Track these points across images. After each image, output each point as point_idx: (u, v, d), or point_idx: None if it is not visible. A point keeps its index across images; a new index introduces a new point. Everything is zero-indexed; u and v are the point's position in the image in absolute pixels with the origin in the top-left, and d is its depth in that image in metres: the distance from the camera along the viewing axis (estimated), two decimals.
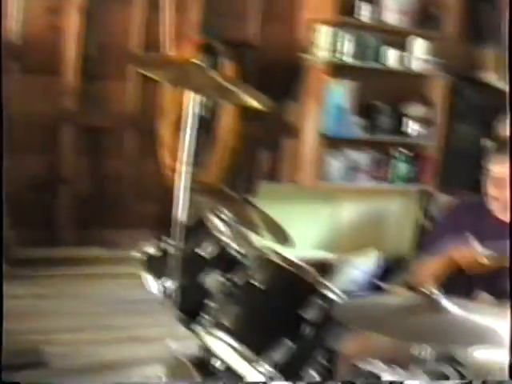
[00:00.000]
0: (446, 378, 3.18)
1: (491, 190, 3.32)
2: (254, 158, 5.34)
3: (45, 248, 4.71)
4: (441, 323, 2.34)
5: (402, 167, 5.63)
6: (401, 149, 5.62)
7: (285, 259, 2.85)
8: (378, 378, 2.64)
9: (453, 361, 3.29)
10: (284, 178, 5.47)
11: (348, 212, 5.59)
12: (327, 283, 2.78)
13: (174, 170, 4.94)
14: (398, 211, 5.80)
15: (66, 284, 4.54)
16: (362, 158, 5.49)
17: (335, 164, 5.35)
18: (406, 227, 5.80)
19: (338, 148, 5.45)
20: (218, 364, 3.03)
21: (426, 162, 5.63)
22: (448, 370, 3.26)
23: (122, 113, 4.99)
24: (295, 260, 2.88)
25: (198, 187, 4.41)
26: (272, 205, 4.86)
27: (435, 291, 2.39)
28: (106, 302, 4.41)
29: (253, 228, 3.41)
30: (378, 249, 5.24)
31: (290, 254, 4.99)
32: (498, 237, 3.29)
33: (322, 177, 5.34)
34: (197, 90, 2.77)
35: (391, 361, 3.08)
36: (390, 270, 5.36)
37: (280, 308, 2.77)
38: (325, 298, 2.74)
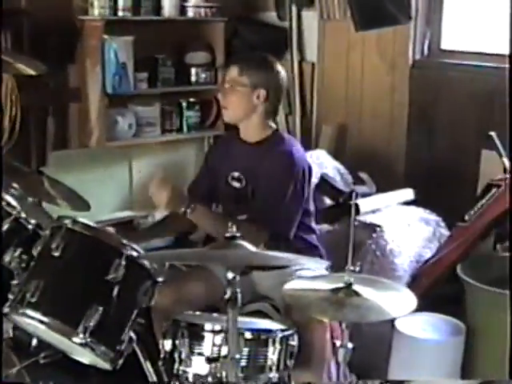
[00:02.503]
0: (266, 315, 3.33)
1: (221, 100, 3.55)
2: (43, 127, 5.19)
3: None
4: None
5: (190, 115, 5.63)
6: (187, 97, 5.62)
7: (83, 226, 2.81)
8: (202, 327, 2.70)
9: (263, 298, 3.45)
10: (74, 144, 5.34)
11: (145, 168, 5.57)
12: (128, 243, 2.78)
13: None
14: (193, 160, 5.84)
15: None
16: (149, 111, 5.44)
17: (122, 122, 5.29)
18: None
19: (124, 105, 5.39)
20: (34, 342, 2.99)
21: (213, 107, 5.65)
22: (264, 306, 3.43)
23: None
24: (94, 225, 2.86)
25: None
26: (65, 173, 4.83)
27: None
28: None
29: (48, 199, 3.35)
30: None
31: (93, 219, 5.01)
32: (244, 158, 3.49)
33: (111, 137, 5.25)
34: None
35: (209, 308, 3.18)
36: None
37: (85, 275, 2.75)
38: (128, 257, 2.74)
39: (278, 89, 3.49)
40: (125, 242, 2.78)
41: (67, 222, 2.81)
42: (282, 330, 2.77)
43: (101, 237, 2.80)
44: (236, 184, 3.51)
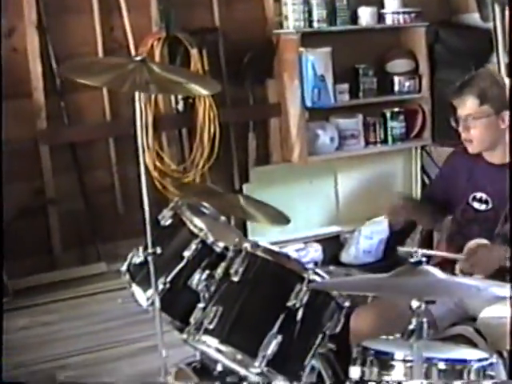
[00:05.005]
0: (468, 340, 3.11)
1: (462, 133, 3.32)
2: (243, 144, 5.21)
3: (43, 274, 4.60)
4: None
5: (395, 126, 5.46)
6: (390, 107, 5.46)
7: (264, 250, 2.72)
8: (391, 355, 2.53)
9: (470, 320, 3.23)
10: (276, 159, 5.33)
11: (347, 182, 5.49)
12: (311, 267, 2.67)
13: (159, 172, 4.88)
14: (399, 172, 5.69)
15: (70, 306, 4.46)
16: (351, 124, 5.33)
17: (324, 135, 5.20)
18: (408, 187, 5.69)
19: (325, 118, 5.32)
20: (218, 367, 2.94)
21: (417, 116, 5.48)
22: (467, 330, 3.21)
23: (96, 123, 4.88)
24: (275, 249, 2.77)
25: (184, 187, 4.34)
26: (268, 188, 4.85)
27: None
28: (112, 319, 4.33)
29: (245, 215, 3.30)
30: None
31: (298, 234, 4.96)
32: (491, 180, 3.27)
33: (313, 151, 5.19)
34: (139, 88, 2.68)
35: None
36: (403, 234, 5.25)
37: (265, 301, 2.66)
38: (311, 282, 2.62)
39: None
40: (307, 266, 2.67)
41: (247, 245, 2.73)
42: (480, 360, 2.54)
43: (282, 261, 2.70)
44: (478, 205, 3.35)
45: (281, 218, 3.30)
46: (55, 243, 4.75)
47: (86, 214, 4.83)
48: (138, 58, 2.73)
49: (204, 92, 2.79)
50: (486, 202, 3.32)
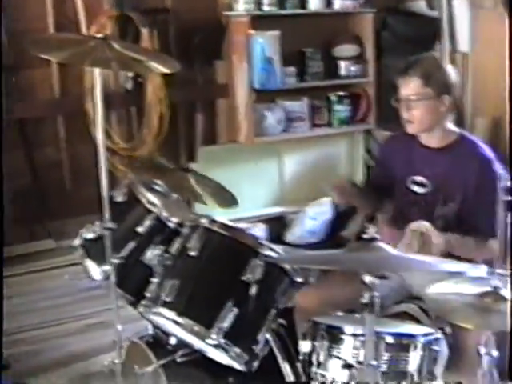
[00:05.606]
0: (412, 317, 3.21)
1: (403, 113, 3.34)
2: (191, 123, 5.25)
3: None
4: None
5: (340, 109, 5.55)
6: (336, 91, 5.55)
7: (221, 225, 2.77)
8: (340, 329, 2.61)
9: (414, 299, 3.32)
10: (223, 139, 5.39)
11: (293, 163, 5.55)
12: (266, 242, 2.73)
13: (108, 150, 4.88)
14: (343, 155, 5.78)
15: (19, 283, 4.45)
16: (297, 106, 5.40)
17: (271, 117, 5.27)
18: (353, 169, 5.79)
19: (272, 100, 5.37)
20: (172, 341, 2.99)
21: (363, 101, 5.57)
22: (411, 308, 3.31)
23: (46, 100, 4.86)
24: (232, 224, 2.82)
25: (134, 163, 4.36)
26: (214, 168, 4.87)
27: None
28: (60, 295, 4.35)
29: (193, 196, 3.33)
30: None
31: (243, 214, 5.00)
32: (429, 163, 3.33)
33: (260, 132, 5.25)
34: (101, 65, 2.70)
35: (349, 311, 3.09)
36: (347, 215, 5.35)
37: (221, 275, 2.70)
38: (266, 257, 2.68)
39: (456, 89, 3.37)
40: (263, 242, 2.72)
41: (204, 220, 2.78)
42: (426, 335, 2.64)
43: (238, 237, 2.75)
44: (417, 188, 3.40)
45: (230, 200, 3.32)
46: (7, 219, 4.70)
47: (35, 191, 4.82)
48: (100, 35, 2.75)
49: (164, 70, 2.81)
50: (425, 186, 3.36)
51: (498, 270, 2.38)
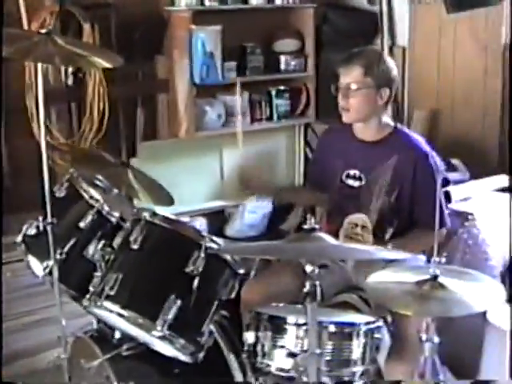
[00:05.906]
0: (353, 307, 3.26)
1: (340, 101, 3.37)
2: (131, 118, 5.23)
3: None
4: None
5: (280, 103, 5.60)
6: (276, 86, 5.59)
7: (162, 218, 2.80)
8: (283, 319, 2.65)
9: (354, 289, 3.38)
10: (163, 135, 5.38)
11: (233, 157, 5.56)
12: (208, 235, 2.75)
13: (49, 145, 4.84)
14: (282, 148, 5.82)
15: None
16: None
17: (211, 112, 5.28)
18: (293, 163, 5.84)
19: (212, 95, 5.39)
20: (116, 335, 3.00)
21: (302, 95, 5.63)
22: (351, 297, 3.36)
23: None
24: (173, 217, 2.84)
25: (74, 157, 4.33)
26: (156, 163, 4.87)
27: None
28: (6, 291, 4.29)
29: (130, 191, 3.34)
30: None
31: (184, 208, 5.00)
32: (363, 157, 3.38)
33: (201, 127, 5.27)
34: (45, 60, 2.70)
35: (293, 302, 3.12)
36: (286, 209, 5.40)
37: (163, 267, 2.73)
38: (208, 249, 2.71)
39: (396, 84, 3.41)
40: (204, 234, 2.75)
41: (146, 214, 2.80)
42: (367, 323, 2.70)
43: (180, 229, 2.78)
44: (351, 182, 3.43)
45: (165, 198, 3.34)
46: None
47: None
48: (44, 31, 2.75)
49: (107, 65, 2.82)
50: (359, 179, 3.40)
51: (436, 258, 2.43)
